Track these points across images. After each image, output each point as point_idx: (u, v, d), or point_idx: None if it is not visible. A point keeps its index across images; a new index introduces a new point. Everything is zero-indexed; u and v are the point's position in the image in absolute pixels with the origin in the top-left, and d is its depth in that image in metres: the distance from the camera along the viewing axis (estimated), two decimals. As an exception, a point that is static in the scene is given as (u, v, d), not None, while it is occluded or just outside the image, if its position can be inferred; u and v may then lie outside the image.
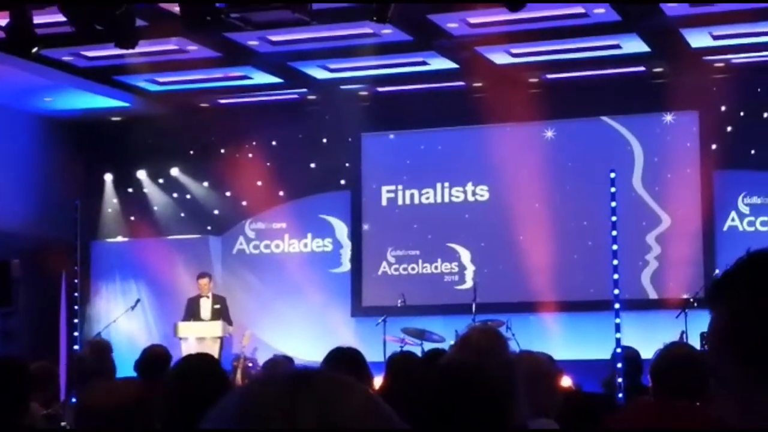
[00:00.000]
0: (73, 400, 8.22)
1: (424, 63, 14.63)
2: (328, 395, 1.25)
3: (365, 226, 16.19)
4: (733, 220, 14.66)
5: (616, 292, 12.00)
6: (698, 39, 13.57)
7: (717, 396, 1.50)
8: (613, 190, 12.44)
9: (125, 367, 7.74)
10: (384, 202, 16.16)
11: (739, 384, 1.47)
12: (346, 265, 16.29)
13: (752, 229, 14.54)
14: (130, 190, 17.25)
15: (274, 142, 16.35)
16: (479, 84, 15.20)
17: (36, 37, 11.22)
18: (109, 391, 3.82)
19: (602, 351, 11.38)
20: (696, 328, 11.82)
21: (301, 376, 1.27)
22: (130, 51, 11.96)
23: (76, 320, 14.21)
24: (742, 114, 14.63)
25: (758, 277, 1.50)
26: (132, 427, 3.68)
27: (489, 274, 15.25)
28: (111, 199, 17.27)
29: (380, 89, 15.74)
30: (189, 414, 3.64)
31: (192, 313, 14.79)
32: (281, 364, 8.08)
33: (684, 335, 12.22)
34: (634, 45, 13.73)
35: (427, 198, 15.97)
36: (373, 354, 11.00)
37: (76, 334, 14.14)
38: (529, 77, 14.94)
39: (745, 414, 1.46)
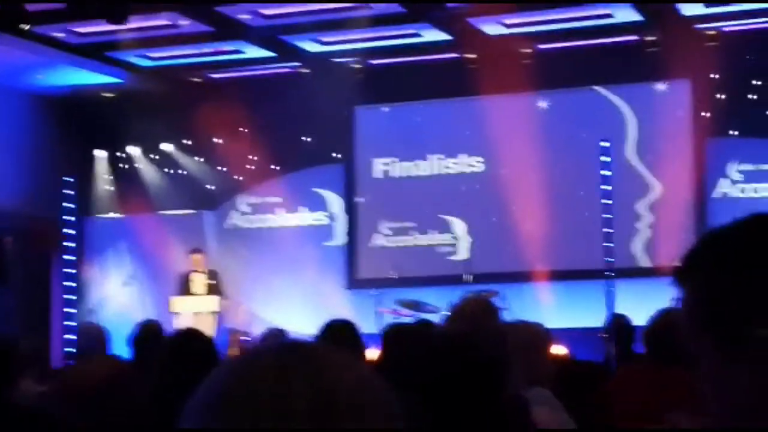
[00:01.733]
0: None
1: (417, 35, 14.58)
2: (320, 368, 1.23)
3: (359, 199, 16.19)
4: (725, 187, 14.68)
5: (609, 260, 12.07)
6: (690, 7, 13.54)
7: (693, 374, 1.49)
8: (606, 159, 12.49)
9: (119, 343, 7.76)
10: (378, 175, 16.15)
11: (710, 362, 1.46)
12: (341, 238, 16.29)
13: (745, 195, 14.57)
14: (122, 166, 17.22)
15: (267, 116, 16.30)
16: (472, 55, 15.16)
17: (27, 13, 11.19)
18: (90, 368, 3.82)
19: (595, 319, 11.43)
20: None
21: (292, 349, 1.26)
22: (122, 26, 11.94)
23: (69, 296, 14.25)
24: (733, 82, 14.62)
25: (720, 255, 1.47)
26: (114, 403, 3.69)
27: (483, 244, 15.26)
28: (104, 176, 17.23)
29: (373, 62, 15.69)
30: (179, 389, 3.65)
31: (184, 288, 14.79)
32: (276, 337, 8.10)
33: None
34: (627, 14, 13.70)
35: (422, 170, 15.95)
36: (368, 326, 11.03)
37: (70, 310, 14.18)
38: (522, 48, 14.91)
39: (716, 393, 1.46)
